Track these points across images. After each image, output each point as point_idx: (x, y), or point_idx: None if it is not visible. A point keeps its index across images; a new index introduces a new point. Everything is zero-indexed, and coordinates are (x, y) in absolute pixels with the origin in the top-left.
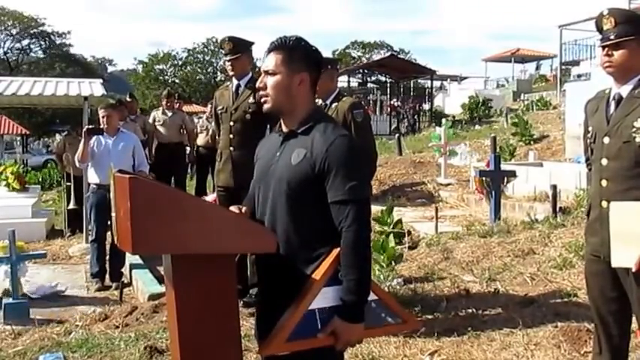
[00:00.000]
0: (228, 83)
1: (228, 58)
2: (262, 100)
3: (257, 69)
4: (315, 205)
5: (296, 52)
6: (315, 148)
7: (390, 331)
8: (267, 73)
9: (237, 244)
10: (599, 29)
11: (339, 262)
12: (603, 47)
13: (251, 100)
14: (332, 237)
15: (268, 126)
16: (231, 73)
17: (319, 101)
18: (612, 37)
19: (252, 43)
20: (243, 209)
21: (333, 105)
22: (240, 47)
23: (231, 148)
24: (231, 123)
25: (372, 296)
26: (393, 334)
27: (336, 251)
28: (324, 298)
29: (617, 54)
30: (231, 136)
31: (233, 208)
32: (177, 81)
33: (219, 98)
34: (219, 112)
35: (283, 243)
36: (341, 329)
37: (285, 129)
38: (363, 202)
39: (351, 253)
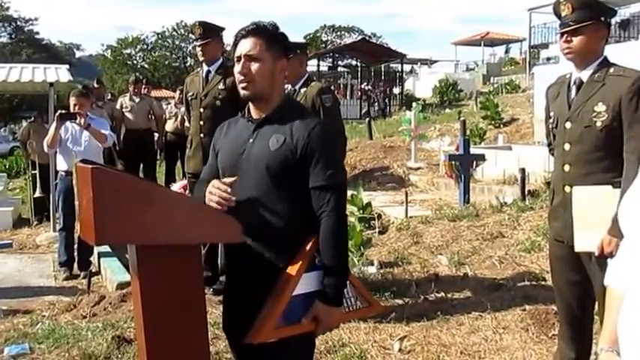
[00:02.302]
0: (199, 69)
1: (198, 43)
2: (243, 85)
3: (227, 54)
4: (293, 191)
5: (277, 38)
6: (295, 133)
7: (358, 315)
8: (250, 58)
9: (202, 234)
10: (558, 15)
11: (317, 248)
12: (562, 34)
13: (221, 86)
14: (308, 223)
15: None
16: (201, 59)
17: (288, 86)
18: (571, 22)
19: (223, 29)
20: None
21: (302, 90)
22: (210, 32)
23: (202, 135)
24: (201, 109)
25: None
26: (362, 318)
27: (313, 238)
28: (305, 284)
29: (576, 40)
30: (201, 122)
31: (215, 182)
32: (146, 65)
33: (189, 84)
34: (190, 98)
35: (259, 228)
36: (323, 314)
37: (256, 115)
38: (342, 188)
39: (332, 237)
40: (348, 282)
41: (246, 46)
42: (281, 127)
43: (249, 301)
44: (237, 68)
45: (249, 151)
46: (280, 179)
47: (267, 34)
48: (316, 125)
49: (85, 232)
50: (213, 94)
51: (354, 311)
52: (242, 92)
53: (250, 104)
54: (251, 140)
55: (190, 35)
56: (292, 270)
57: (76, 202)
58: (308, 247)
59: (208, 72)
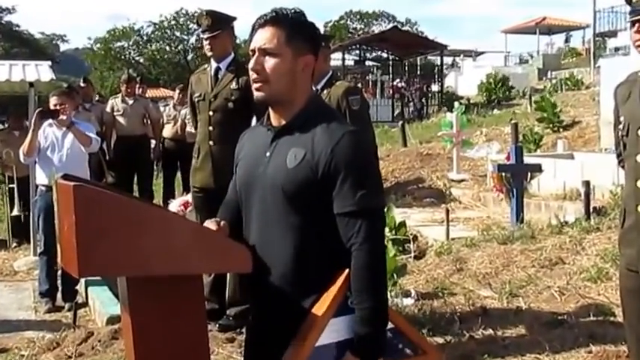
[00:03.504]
0: (206, 66)
1: (206, 35)
2: (255, 85)
3: (245, 54)
4: (318, 217)
5: (300, 29)
6: (318, 147)
7: None
8: (265, 52)
9: (205, 264)
10: (628, 1)
11: (349, 286)
12: (632, 22)
13: (233, 85)
14: (338, 255)
15: (255, 116)
16: (209, 54)
17: None
18: None
19: (234, 19)
20: (222, 223)
21: (325, 91)
22: (220, 23)
23: (211, 142)
24: (211, 113)
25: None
26: None
27: (344, 273)
28: (333, 332)
29: None
30: (210, 128)
31: (209, 223)
32: (141, 61)
33: (195, 84)
34: (196, 100)
35: (278, 262)
36: None
37: (275, 122)
38: (377, 214)
39: (365, 275)
40: (392, 325)
41: (261, 37)
42: (302, 138)
43: (274, 348)
44: (250, 64)
45: (265, 169)
46: (300, 204)
47: (289, 23)
48: (344, 136)
49: (67, 263)
50: (224, 94)
51: None
52: (255, 94)
53: (270, 108)
54: (268, 154)
55: (192, 26)
56: (318, 312)
57: (56, 222)
58: (338, 285)
59: (218, 69)
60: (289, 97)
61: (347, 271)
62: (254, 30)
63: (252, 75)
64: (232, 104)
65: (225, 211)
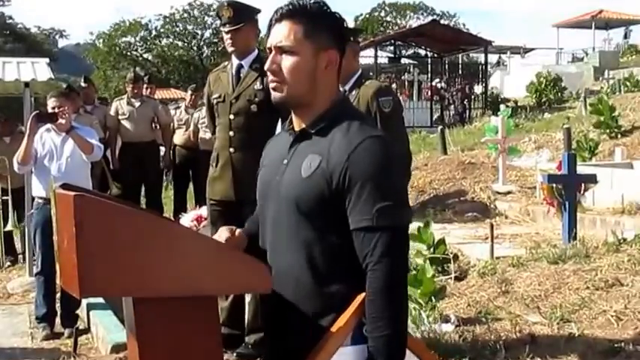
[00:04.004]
0: (226, 63)
1: (227, 29)
2: (272, 86)
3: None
4: (333, 234)
5: (321, 21)
6: (334, 154)
7: None
8: (281, 49)
9: (220, 284)
10: None
11: (364, 312)
12: None
13: (257, 85)
14: (357, 278)
15: (281, 120)
16: (230, 50)
17: None
18: None
19: (259, 11)
20: (237, 232)
21: (354, 91)
22: (243, 15)
23: (232, 150)
24: (231, 116)
25: (407, 355)
26: None
27: (360, 297)
28: None
29: None
30: (231, 133)
31: (223, 231)
32: (149, 58)
33: (214, 83)
34: (215, 101)
35: (288, 283)
36: None
37: (297, 127)
38: (398, 230)
39: (380, 299)
40: (415, 357)
41: (277, 34)
42: (319, 144)
43: None
44: (266, 64)
45: (281, 178)
46: (313, 218)
47: (308, 16)
48: (363, 141)
49: (67, 282)
50: (247, 96)
51: None
52: (272, 96)
53: (292, 111)
54: (285, 162)
55: (208, 19)
56: (326, 340)
57: (54, 236)
58: (352, 310)
59: (240, 67)
60: (310, 99)
61: (363, 295)
62: (271, 26)
63: (269, 76)
64: (256, 106)
65: (251, 223)
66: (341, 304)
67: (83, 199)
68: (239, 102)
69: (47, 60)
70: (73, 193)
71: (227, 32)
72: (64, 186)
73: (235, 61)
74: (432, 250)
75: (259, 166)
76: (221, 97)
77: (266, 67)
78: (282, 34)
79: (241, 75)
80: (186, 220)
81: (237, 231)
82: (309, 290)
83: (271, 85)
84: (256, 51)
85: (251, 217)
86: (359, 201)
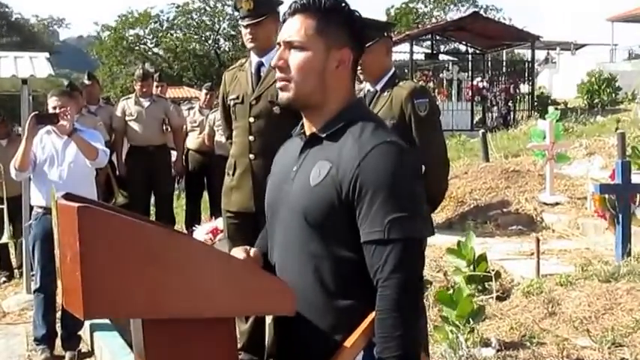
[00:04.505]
0: (243, 60)
1: (246, 22)
2: (280, 85)
3: None
4: (344, 247)
5: (335, 17)
6: (344, 161)
7: None
8: (289, 45)
9: (237, 305)
10: None
11: (374, 331)
12: None
13: None
14: (368, 292)
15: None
16: (250, 45)
17: (367, 87)
18: None
19: (281, 2)
20: (252, 251)
21: (386, 92)
22: (264, 7)
23: (251, 156)
24: (251, 119)
25: None
26: None
27: (371, 315)
28: None
29: None
30: (250, 138)
31: (237, 251)
32: (160, 53)
33: (230, 83)
34: (232, 103)
35: (299, 299)
36: None
37: (308, 131)
38: (411, 243)
39: (391, 318)
40: None
41: (287, 29)
42: (330, 150)
43: None
44: (273, 60)
45: (290, 186)
46: (322, 229)
47: (322, 11)
48: (375, 148)
49: (70, 302)
50: (268, 96)
51: None
52: (279, 95)
53: (304, 114)
54: (295, 169)
55: (227, 9)
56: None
57: (56, 251)
58: (361, 329)
59: (260, 65)
60: (319, 100)
61: (373, 313)
62: (284, 21)
63: (276, 73)
64: (278, 108)
65: (263, 239)
66: (352, 321)
67: (88, 211)
68: (260, 103)
69: (47, 55)
70: (76, 205)
71: (246, 26)
72: (67, 196)
73: (255, 59)
74: (471, 267)
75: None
76: (239, 97)
77: (272, 62)
78: (292, 28)
79: (262, 74)
80: (201, 232)
81: (252, 250)
82: (317, 307)
83: (278, 83)
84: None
85: (262, 233)
86: (370, 211)
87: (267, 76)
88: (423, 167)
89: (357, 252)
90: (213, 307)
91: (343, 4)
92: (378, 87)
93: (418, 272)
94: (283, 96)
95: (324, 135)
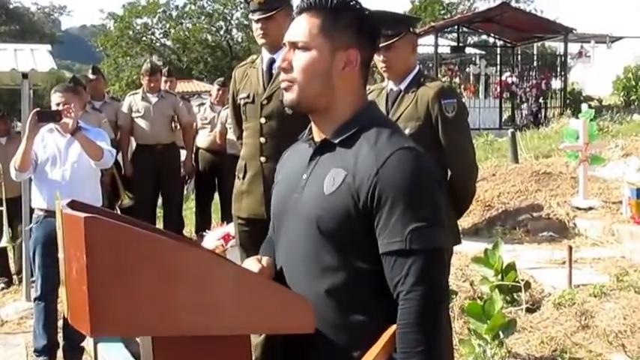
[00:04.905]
0: (255, 57)
1: (257, 17)
2: (284, 86)
3: None
4: (360, 259)
5: (343, 16)
6: (361, 168)
7: None
8: (294, 45)
9: (252, 322)
10: None
11: (395, 347)
12: None
13: None
14: (386, 307)
15: None
16: (261, 42)
17: (389, 86)
18: None
19: None
20: (265, 261)
21: (411, 92)
22: (276, 0)
23: (262, 159)
24: (262, 120)
25: None
26: None
27: (390, 330)
28: None
29: None
30: (262, 139)
31: (250, 263)
32: (168, 43)
33: (240, 81)
34: (242, 102)
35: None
36: None
37: (317, 137)
38: (434, 254)
39: (414, 333)
40: None
41: (293, 28)
42: (344, 157)
43: None
44: (277, 61)
45: (300, 195)
46: (337, 241)
47: (328, 10)
48: (394, 153)
49: (75, 318)
50: (280, 96)
51: None
52: (284, 98)
53: (312, 119)
54: (305, 176)
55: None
56: None
57: (60, 256)
58: (379, 346)
59: (272, 62)
60: (326, 103)
61: (393, 327)
62: (292, 20)
63: (280, 75)
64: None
65: (267, 247)
66: (368, 338)
67: (96, 223)
68: (271, 103)
69: (49, 47)
70: (83, 215)
71: (257, 21)
72: (72, 203)
73: (267, 55)
74: (500, 276)
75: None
76: (249, 97)
77: (279, 64)
78: (297, 28)
79: (273, 71)
80: (212, 238)
81: (265, 260)
82: (330, 323)
83: (282, 85)
84: None
85: (265, 241)
86: (390, 221)
87: (279, 74)
88: (450, 171)
89: (374, 263)
90: (227, 325)
91: (353, 2)
92: (402, 86)
93: (442, 284)
94: (287, 98)
95: (336, 141)
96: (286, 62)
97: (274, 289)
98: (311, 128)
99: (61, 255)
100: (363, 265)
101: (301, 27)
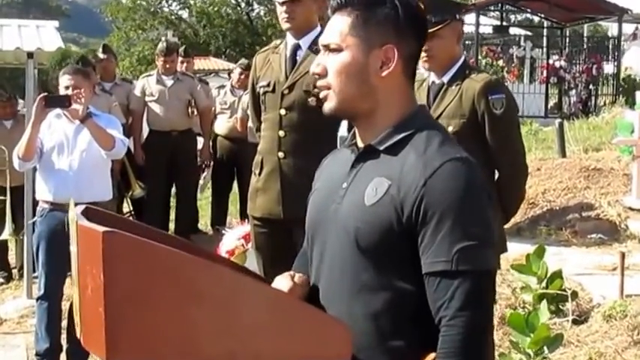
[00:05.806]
0: (279, 42)
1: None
2: (322, 95)
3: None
4: (402, 278)
5: (375, 11)
6: (406, 179)
7: None
8: (327, 48)
9: (284, 348)
10: None
11: None
12: None
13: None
14: (427, 331)
15: (344, 122)
16: (286, 26)
17: (431, 78)
18: None
19: None
20: (298, 277)
21: (454, 86)
22: None
23: (280, 154)
24: (282, 111)
25: None
26: None
27: (430, 357)
28: None
29: None
30: (281, 133)
31: (281, 280)
32: (184, 16)
33: (261, 67)
34: (262, 90)
35: None
36: None
37: (360, 142)
38: (482, 277)
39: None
40: None
41: (326, 30)
42: (389, 165)
43: None
44: (311, 66)
45: (339, 205)
46: (377, 256)
47: (358, 7)
48: (443, 164)
49: (89, 340)
50: (303, 85)
51: None
52: (323, 107)
53: (354, 125)
54: (344, 185)
55: None
56: None
57: (72, 249)
58: None
59: (297, 48)
60: (368, 107)
61: (432, 355)
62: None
63: (317, 81)
64: (315, 99)
65: (302, 262)
66: None
67: (116, 238)
68: (293, 93)
69: (56, 23)
70: (102, 229)
71: (282, 4)
72: (86, 211)
73: (291, 41)
74: (544, 284)
75: (313, 180)
76: (270, 85)
77: (312, 69)
78: (330, 29)
79: (297, 58)
80: (232, 237)
81: (297, 277)
82: (367, 346)
83: (320, 92)
84: (319, 27)
85: (299, 255)
86: (435, 238)
87: (303, 61)
88: (497, 173)
89: (416, 284)
90: (254, 352)
91: None
92: (445, 79)
93: (489, 310)
94: (326, 107)
95: (381, 148)
96: (320, 67)
97: (308, 312)
98: (354, 133)
99: (73, 248)
100: (404, 284)
101: (333, 28)
